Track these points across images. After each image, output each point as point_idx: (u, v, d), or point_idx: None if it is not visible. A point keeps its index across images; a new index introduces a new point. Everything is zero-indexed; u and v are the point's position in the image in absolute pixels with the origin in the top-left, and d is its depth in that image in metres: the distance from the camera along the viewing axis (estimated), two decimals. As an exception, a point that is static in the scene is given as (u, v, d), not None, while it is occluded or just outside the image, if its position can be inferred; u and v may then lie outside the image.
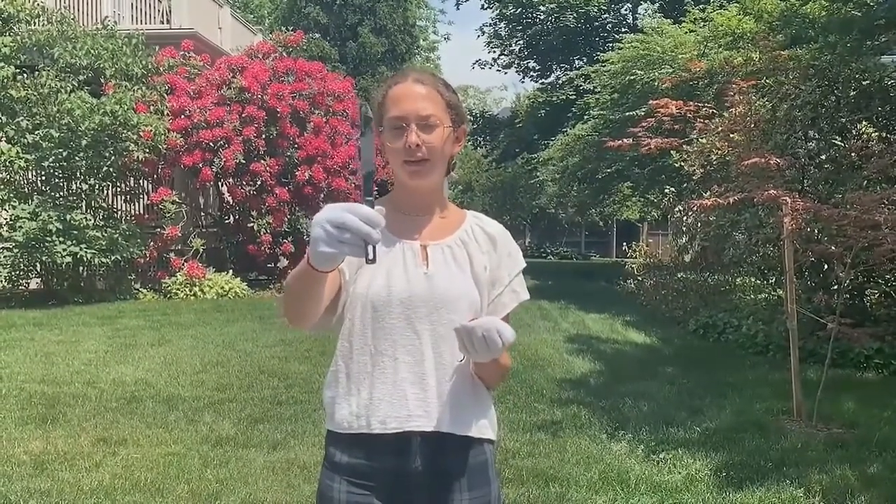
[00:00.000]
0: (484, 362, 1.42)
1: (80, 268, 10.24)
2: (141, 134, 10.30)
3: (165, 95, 11.21)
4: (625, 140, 6.82)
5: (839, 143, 6.84)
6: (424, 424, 1.44)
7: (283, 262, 12.23)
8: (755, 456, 4.07)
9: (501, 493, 1.60)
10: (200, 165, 11.05)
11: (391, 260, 1.48)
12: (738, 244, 7.73)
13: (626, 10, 23.33)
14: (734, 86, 6.06)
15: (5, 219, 9.62)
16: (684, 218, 10.22)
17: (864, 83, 6.86)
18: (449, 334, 1.45)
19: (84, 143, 9.84)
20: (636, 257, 15.33)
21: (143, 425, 4.53)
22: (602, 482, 3.67)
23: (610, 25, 23.09)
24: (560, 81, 22.97)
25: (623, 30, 21.54)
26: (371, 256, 1.20)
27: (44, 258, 9.55)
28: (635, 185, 15.91)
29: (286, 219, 11.77)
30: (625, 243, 19.48)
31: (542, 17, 23.18)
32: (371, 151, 1.28)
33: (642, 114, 8.58)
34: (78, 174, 10.39)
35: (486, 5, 24.13)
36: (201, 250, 11.49)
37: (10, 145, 9.58)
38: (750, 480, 3.70)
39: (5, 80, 9.59)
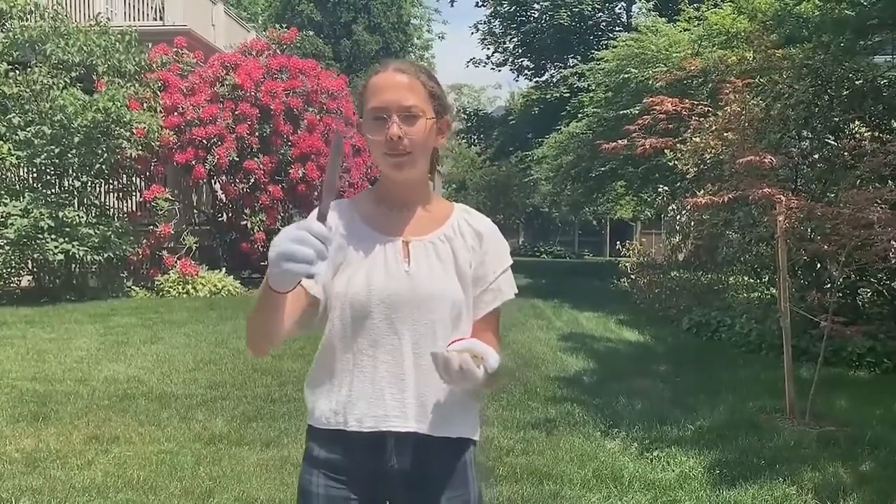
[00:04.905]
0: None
1: (73, 265, 10.20)
2: (134, 131, 10.28)
3: (158, 92, 11.17)
4: (619, 142, 6.81)
5: (832, 142, 6.86)
6: (400, 425, 1.42)
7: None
8: (748, 454, 4.08)
9: (483, 494, 1.56)
10: (193, 163, 11.03)
11: (371, 258, 1.45)
12: (731, 243, 7.74)
13: (620, 8, 23.39)
14: (729, 84, 6.06)
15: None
16: (678, 216, 10.26)
17: (857, 83, 6.88)
18: (430, 333, 1.43)
19: (76, 139, 9.79)
20: (630, 256, 15.33)
21: (136, 423, 4.51)
22: (596, 480, 3.67)
23: (604, 24, 23.15)
24: (554, 79, 23.02)
25: (617, 28, 21.61)
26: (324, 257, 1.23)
27: (35, 255, 9.51)
28: (629, 183, 15.93)
29: (280, 217, 11.74)
30: (618, 242, 19.48)
31: (536, 15, 23.23)
32: (335, 175, 1.28)
33: (636, 112, 8.59)
34: (70, 171, 10.34)
35: (480, 3, 24.15)
36: (194, 248, 11.45)
37: (1, 142, 9.53)
38: (743, 478, 3.71)
39: (-3, 77, 9.56)
